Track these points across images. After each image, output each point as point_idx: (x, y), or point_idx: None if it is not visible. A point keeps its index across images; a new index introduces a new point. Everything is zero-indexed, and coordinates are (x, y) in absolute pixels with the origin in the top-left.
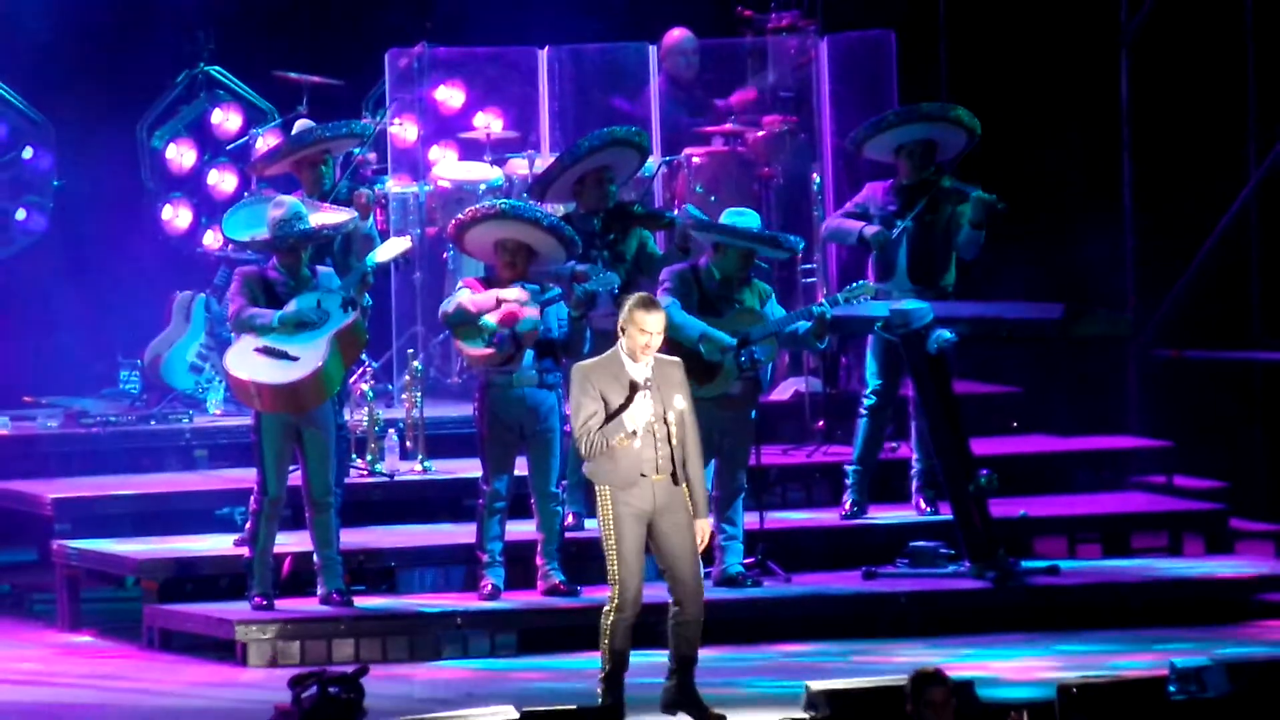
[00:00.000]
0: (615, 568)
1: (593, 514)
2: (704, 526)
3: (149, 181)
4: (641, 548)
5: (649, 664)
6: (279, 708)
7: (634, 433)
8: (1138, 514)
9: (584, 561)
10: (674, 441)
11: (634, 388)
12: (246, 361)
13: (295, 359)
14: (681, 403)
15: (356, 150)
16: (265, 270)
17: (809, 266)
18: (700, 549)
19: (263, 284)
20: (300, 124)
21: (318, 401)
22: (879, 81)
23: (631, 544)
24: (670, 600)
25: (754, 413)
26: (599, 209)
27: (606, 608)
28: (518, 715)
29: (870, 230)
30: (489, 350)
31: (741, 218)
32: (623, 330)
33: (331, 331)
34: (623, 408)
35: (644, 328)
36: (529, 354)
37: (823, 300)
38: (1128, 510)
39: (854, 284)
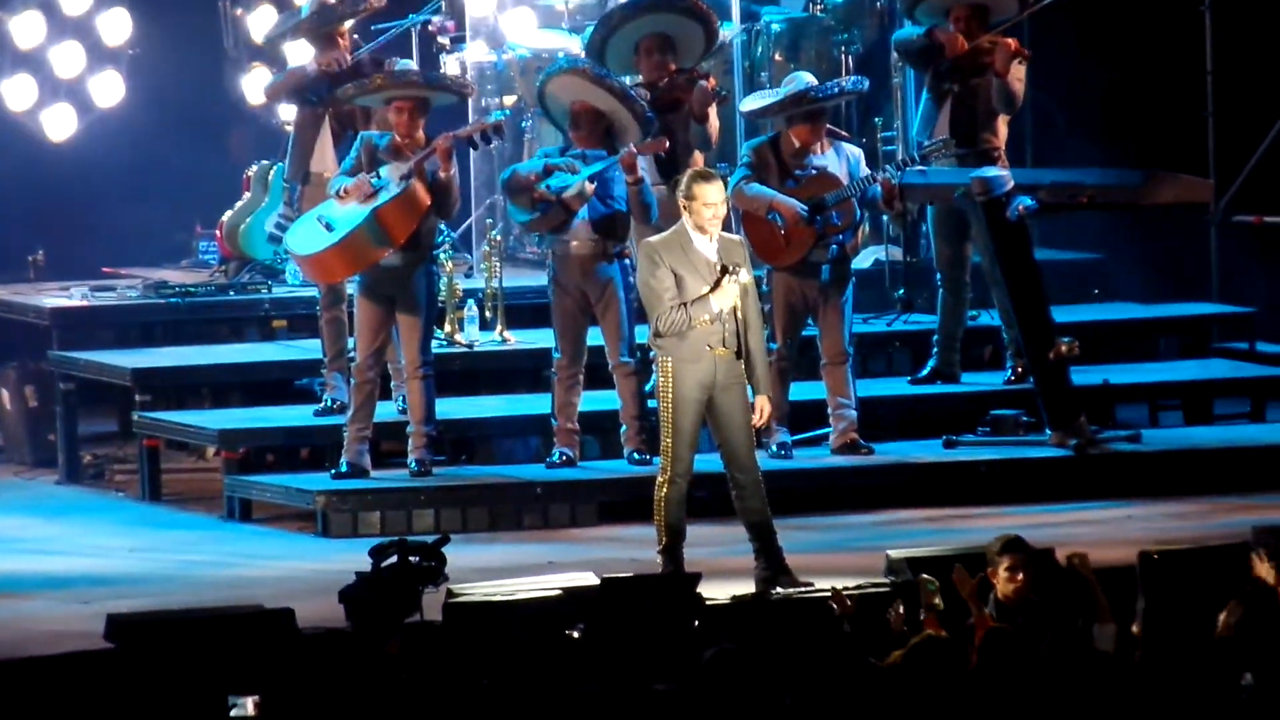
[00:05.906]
0: (669, 440)
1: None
2: (762, 403)
3: (231, 50)
4: (699, 421)
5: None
6: (360, 576)
7: (720, 312)
8: (1219, 380)
9: None
10: (739, 316)
11: (724, 272)
12: (297, 231)
13: (329, 229)
14: (745, 276)
15: (435, 16)
16: (384, 136)
17: (889, 134)
18: (757, 425)
19: (370, 149)
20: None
21: (345, 273)
22: None
23: (689, 417)
24: (727, 473)
25: (848, 278)
26: (654, 81)
27: (660, 479)
28: (598, 581)
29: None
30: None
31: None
32: (686, 207)
33: (375, 205)
34: (712, 290)
35: (706, 200)
36: (584, 222)
37: (887, 168)
38: (1209, 377)
39: (933, 140)
